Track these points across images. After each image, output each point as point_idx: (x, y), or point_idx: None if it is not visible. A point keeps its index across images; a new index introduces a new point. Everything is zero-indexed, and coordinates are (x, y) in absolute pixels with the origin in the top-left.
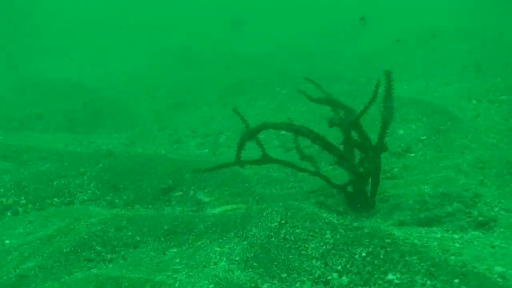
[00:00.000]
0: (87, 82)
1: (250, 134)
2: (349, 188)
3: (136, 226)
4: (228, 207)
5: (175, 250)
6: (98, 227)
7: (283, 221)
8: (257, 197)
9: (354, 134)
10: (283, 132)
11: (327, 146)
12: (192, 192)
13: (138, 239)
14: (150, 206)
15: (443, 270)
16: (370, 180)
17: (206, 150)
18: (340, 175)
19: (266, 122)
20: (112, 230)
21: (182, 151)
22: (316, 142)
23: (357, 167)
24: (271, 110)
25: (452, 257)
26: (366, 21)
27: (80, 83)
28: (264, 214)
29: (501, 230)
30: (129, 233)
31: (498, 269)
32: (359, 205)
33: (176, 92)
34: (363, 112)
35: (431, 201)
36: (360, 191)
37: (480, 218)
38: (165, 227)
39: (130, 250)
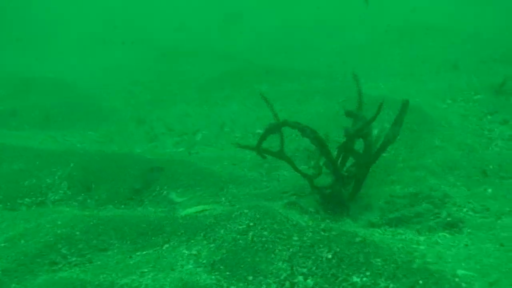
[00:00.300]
0: (65, 78)
1: (273, 128)
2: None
3: (103, 229)
4: (199, 208)
5: (142, 252)
6: (64, 230)
7: (251, 224)
8: (230, 198)
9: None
10: (259, 131)
11: (322, 148)
12: (165, 192)
13: (105, 242)
14: (123, 206)
15: (406, 273)
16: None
17: (182, 149)
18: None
19: (286, 120)
20: (78, 233)
21: (158, 149)
22: (314, 142)
23: (340, 170)
24: (247, 108)
25: (416, 260)
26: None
27: (58, 78)
28: (233, 216)
29: (469, 231)
30: (96, 236)
31: (460, 272)
32: (333, 207)
33: (154, 87)
34: (369, 124)
35: (400, 202)
36: (337, 193)
37: (448, 219)
38: (133, 229)
39: (96, 253)
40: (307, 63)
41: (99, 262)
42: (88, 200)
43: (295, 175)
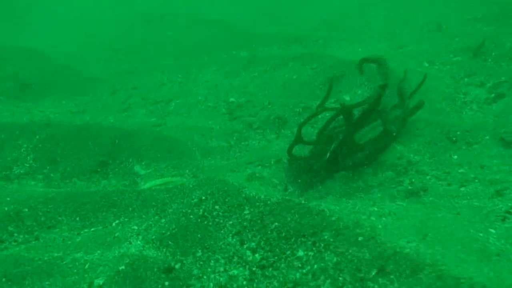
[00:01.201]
0: (43, 48)
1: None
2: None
3: (52, 206)
4: (159, 181)
5: (91, 229)
6: (12, 207)
7: (203, 197)
8: (194, 169)
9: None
10: (232, 99)
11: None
12: (130, 164)
13: (53, 219)
14: (87, 179)
15: (351, 246)
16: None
17: (154, 119)
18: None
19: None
20: (26, 210)
21: (130, 119)
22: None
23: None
24: (222, 76)
25: (364, 232)
26: None
27: (35, 48)
28: (187, 190)
29: (431, 199)
30: (44, 213)
31: (402, 243)
32: (300, 181)
33: (133, 55)
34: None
35: (365, 170)
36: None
37: (409, 187)
38: (84, 205)
39: (44, 231)
40: (290, 28)
41: (45, 240)
42: (53, 174)
43: (263, 145)
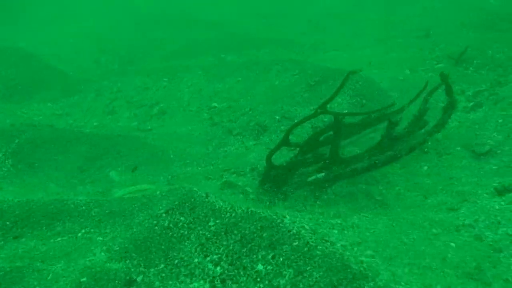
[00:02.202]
0: (31, 48)
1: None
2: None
3: (20, 213)
4: (132, 188)
5: (57, 239)
6: None
7: (170, 208)
8: (169, 177)
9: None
10: (215, 104)
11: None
12: (107, 170)
13: (20, 227)
14: (64, 185)
15: (310, 261)
16: None
17: (135, 123)
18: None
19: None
20: None
21: (113, 123)
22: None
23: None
24: (207, 80)
25: (325, 246)
26: None
27: (23, 49)
28: (154, 200)
29: (398, 210)
30: (11, 221)
31: (363, 258)
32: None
33: (122, 57)
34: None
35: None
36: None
37: (378, 198)
38: (52, 214)
39: (10, 240)
40: (280, 31)
41: (9, 250)
42: (30, 179)
43: (241, 152)
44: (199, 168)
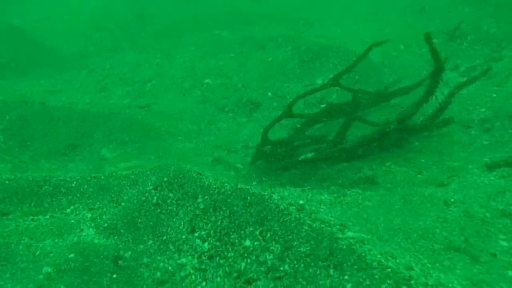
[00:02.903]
0: (24, 24)
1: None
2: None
3: (8, 190)
4: (123, 165)
5: (45, 216)
6: None
7: (159, 185)
8: (161, 153)
9: None
10: (208, 81)
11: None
12: (98, 147)
13: (8, 204)
14: (55, 161)
15: (297, 236)
16: None
17: (127, 100)
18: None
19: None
20: None
21: (105, 100)
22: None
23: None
24: (200, 57)
25: (312, 221)
26: None
27: (14, 25)
28: (144, 177)
29: (388, 185)
30: (1, 199)
31: (350, 234)
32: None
33: (113, 34)
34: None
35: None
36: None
37: (369, 173)
38: (41, 190)
39: None
40: (275, 7)
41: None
42: (21, 155)
43: (233, 129)
44: (190, 145)
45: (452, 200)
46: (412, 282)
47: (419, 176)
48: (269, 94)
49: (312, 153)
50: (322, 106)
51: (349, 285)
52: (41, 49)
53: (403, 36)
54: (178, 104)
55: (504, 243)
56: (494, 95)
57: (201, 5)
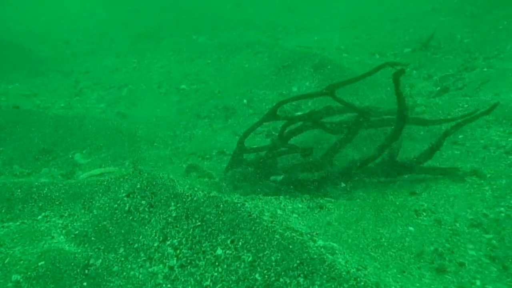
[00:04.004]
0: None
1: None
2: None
3: None
4: (96, 171)
5: (16, 223)
6: None
7: (131, 191)
8: (135, 159)
9: None
10: (184, 86)
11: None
12: (71, 152)
13: None
14: (29, 166)
15: (268, 245)
16: None
17: (103, 105)
18: None
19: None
20: None
21: (81, 104)
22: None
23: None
24: (177, 62)
25: (283, 230)
26: None
27: None
28: (117, 183)
29: (361, 194)
30: None
31: (320, 243)
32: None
33: (90, 37)
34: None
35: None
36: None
37: (343, 185)
38: (12, 197)
39: None
40: (254, 14)
41: None
42: None
43: (208, 135)
44: (165, 151)
45: (423, 209)
46: None
47: (390, 184)
48: (245, 101)
49: (282, 176)
50: (298, 113)
51: None
52: (16, 52)
53: (378, 45)
54: (154, 109)
55: (473, 252)
56: (466, 105)
57: (181, 10)
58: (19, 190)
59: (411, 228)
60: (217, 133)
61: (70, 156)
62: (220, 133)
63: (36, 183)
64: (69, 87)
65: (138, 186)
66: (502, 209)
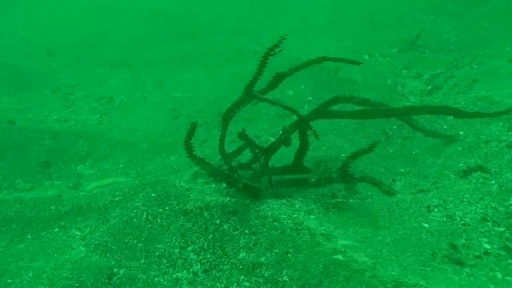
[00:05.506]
0: None
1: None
2: None
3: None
4: (103, 181)
5: (33, 236)
6: None
7: (147, 200)
8: (139, 169)
9: None
10: (178, 94)
11: None
12: (73, 164)
13: None
14: (31, 180)
15: (284, 244)
16: None
17: (97, 116)
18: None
19: None
20: None
21: (74, 116)
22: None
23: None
24: (166, 70)
25: (304, 234)
26: None
27: None
28: (131, 193)
29: (369, 193)
30: None
31: (340, 243)
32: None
33: (78, 48)
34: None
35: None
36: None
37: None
38: (25, 211)
39: None
40: (237, 20)
41: None
42: None
43: (208, 141)
44: (167, 159)
45: (434, 205)
46: None
47: (397, 183)
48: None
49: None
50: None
51: None
52: (2, 68)
53: (364, 47)
54: (149, 118)
55: (488, 246)
56: (463, 102)
57: (164, 20)
58: (33, 204)
59: (425, 225)
60: (216, 139)
61: (73, 167)
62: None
63: (47, 196)
64: (59, 100)
65: (154, 194)
66: (511, 201)
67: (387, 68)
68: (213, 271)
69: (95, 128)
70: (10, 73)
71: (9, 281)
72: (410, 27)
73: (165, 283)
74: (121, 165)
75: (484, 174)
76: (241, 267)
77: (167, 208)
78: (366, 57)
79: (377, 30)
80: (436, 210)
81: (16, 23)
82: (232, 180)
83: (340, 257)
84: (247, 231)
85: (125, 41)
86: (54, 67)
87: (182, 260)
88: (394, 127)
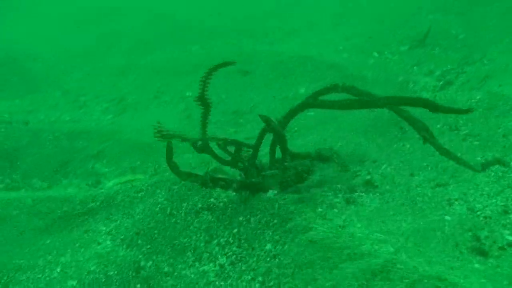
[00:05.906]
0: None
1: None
2: None
3: (18, 212)
4: (122, 178)
5: (59, 232)
6: None
7: (170, 195)
8: (156, 166)
9: None
10: (189, 93)
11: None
12: (90, 163)
13: (20, 225)
14: (48, 179)
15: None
16: None
17: (110, 116)
18: None
19: None
20: None
21: (87, 116)
22: None
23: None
24: (174, 71)
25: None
26: None
27: None
28: (152, 188)
29: (387, 188)
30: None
31: (358, 234)
32: None
33: (85, 48)
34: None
35: (318, 165)
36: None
37: (367, 177)
38: (51, 208)
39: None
40: (243, 21)
41: (15, 245)
42: (14, 175)
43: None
44: (182, 157)
45: (455, 198)
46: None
47: (415, 177)
48: (251, 104)
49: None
50: None
51: None
52: (11, 70)
53: (374, 44)
54: (162, 118)
55: (510, 237)
56: (478, 97)
57: (170, 22)
58: (57, 202)
59: (447, 217)
60: (231, 137)
61: (90, 166)
62: (234, 137)
63: (69, 194)
64: (70, 101)
65: (176, 189)
66: None
67: (397, 65)
68: (239, 263)
69: (108, 127)
70: (20, 76)
71: (38, 276)
72: (418, 25)
73: (192, 275)
74: (138, 163)
75: (503, 168)
76: (268, 259)
77: (190, 202)
78: (376, 54)
79: (384, 29)
80: (456, 203)
81: (23, 28)
82: (224, 183)
83: (365, 248)
84: (275, 221)
85: (132, 44)
86: (63, 69)
87: (207, 253)
88: None
